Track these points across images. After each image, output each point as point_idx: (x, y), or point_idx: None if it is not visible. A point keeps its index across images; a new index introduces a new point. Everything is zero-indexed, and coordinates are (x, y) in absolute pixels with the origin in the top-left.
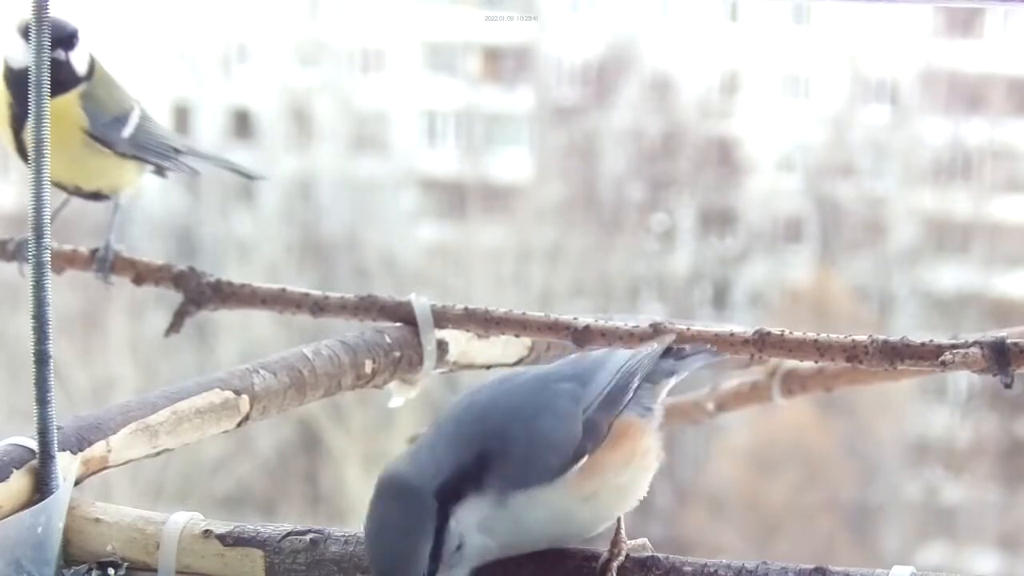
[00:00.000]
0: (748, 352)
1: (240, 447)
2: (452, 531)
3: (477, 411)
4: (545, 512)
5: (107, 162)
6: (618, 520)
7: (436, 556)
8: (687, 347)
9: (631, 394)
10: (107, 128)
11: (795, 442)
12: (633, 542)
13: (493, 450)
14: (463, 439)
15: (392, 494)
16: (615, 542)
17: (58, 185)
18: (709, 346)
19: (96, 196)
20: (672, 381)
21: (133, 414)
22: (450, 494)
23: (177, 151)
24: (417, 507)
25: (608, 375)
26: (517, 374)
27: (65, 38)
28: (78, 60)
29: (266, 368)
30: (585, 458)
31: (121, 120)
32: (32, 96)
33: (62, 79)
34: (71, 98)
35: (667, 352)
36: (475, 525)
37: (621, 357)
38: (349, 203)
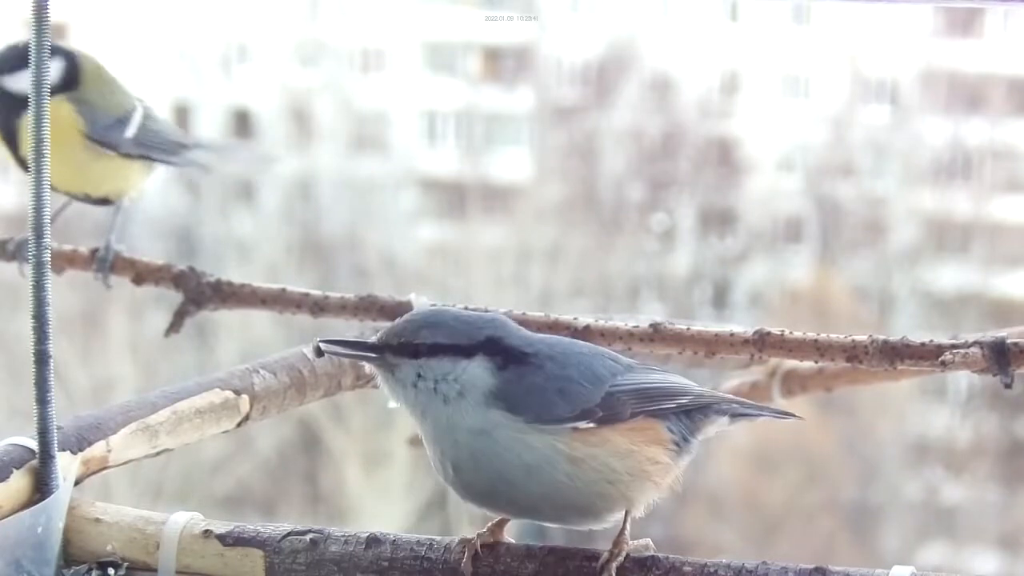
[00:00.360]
0: (748, 352)
1: (240, 447)
2: (467, 362)
3: (546, 338)
4: (523, 448)
5: (112, 164)
6: (623, 520)
7: (435, 351)
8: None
9: (673, 405)
10: (108, 130)
11: (795, 442)
12: (636, 542)
13: (534, 360)
14: (535, 340)
15: (458, 310)
16: (617, 542)
17: (67, 194)
18: (784, 411)
19: (105, 201)
20: (724, 421)
21: (133, 414)
22: (493, 347)
23: (184, 147)
24: (467, 324)
25: (659, 379)
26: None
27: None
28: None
29: (266, 368)
30: (591, 424)
31: (123, 121)
32: (32, 97)
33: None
34: (63, 105)
35: (729, 402)
36: (472, 385)
37: (681, 379)
38: (349, 203)
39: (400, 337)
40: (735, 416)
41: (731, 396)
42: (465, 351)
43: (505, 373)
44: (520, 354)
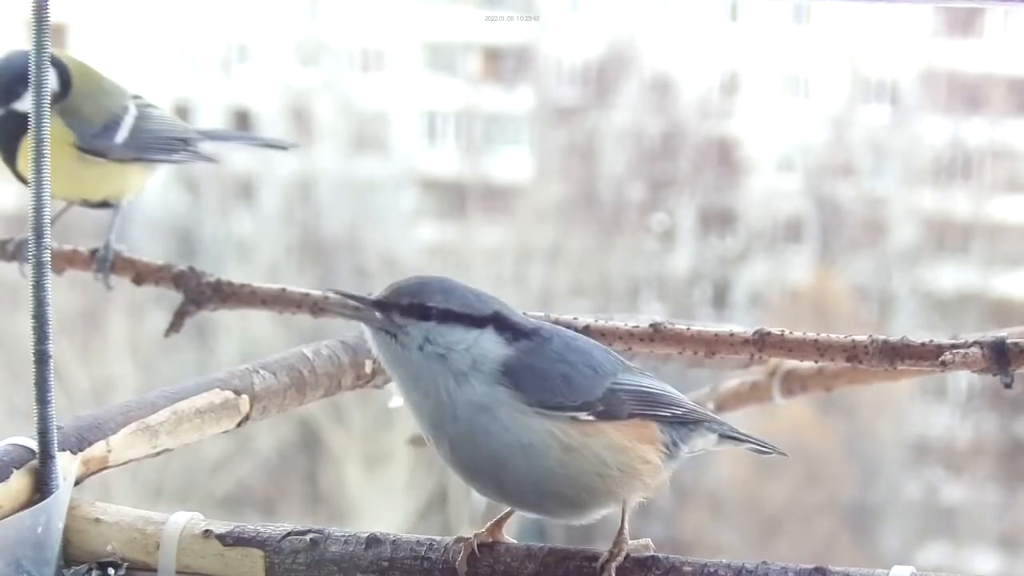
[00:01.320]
0: (748, 352)
1: (240, 447)
2: (477, 333)
3: (551, 324)
4: (520, 429)
5: (106, 171)
6: (621, 520)
7: (446, 317)
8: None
9: (668, 413)
10: (97, 138)
11: (795, 442)
12: (636, 542)
13: (537, 339)
14: (537, 322)
15: (467, 285)
16: (616, 542)
17: (66, 201)
18: (773, 446)
19: (105, 204)
20: (713, 439)
21: (133, 414)
22: (501, 323)
23: (184, 141)
24: (479, 297)
25: (658, 386)
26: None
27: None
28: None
29: (266, 368)
30: (589, 417)
31: (111, 127)
32: (32, 97)
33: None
34: (53, 119)
35: (720, 423)
36: (482, 358)
37: (676, 392)
38: (349, 203)
39: (411, 297)
40: (723, 437)
41: (721, 420)
42: (477, 322)
43: (514, 350)
44: (526, 332)
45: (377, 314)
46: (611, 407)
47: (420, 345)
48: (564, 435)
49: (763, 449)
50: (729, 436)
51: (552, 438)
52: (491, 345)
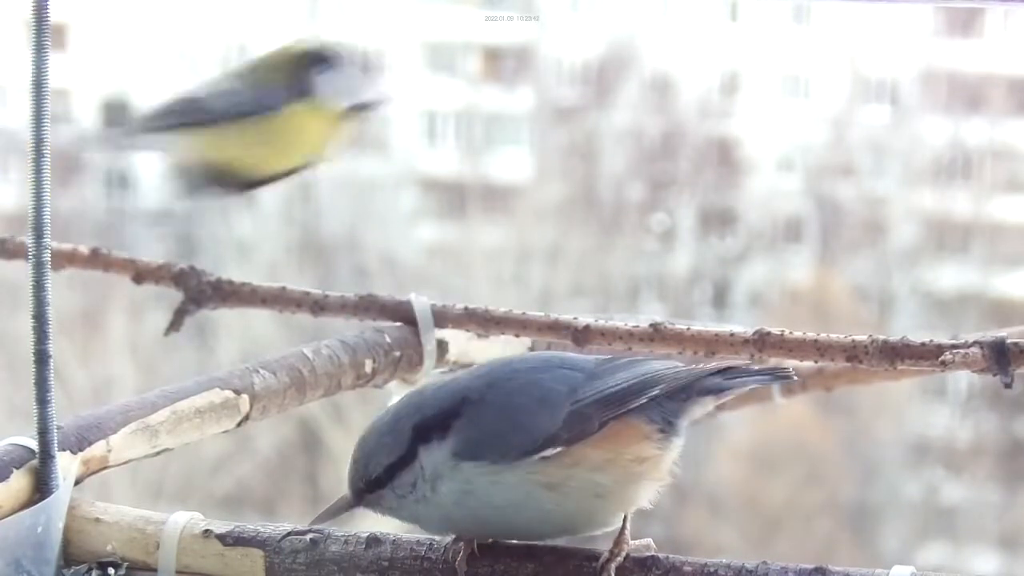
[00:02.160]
0: (748, 352)
1: (240, 447)
2: (417, 463)
3: (486, 370)
4: (502, 490)
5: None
6: (623, 521)
7: (391, 473)
8: (746, 367)
9: (644, 400)
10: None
11: (795, 442)
12: (637, 542)
13: (470, 408)
14: (458, 389)
15: (379, 419)
16: (617, 542)
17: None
18: (771, 368)
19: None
20: (710, 400)
21: (133, 414)
22: (422, 432)
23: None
24: (393, 432)
25: (626, 377)
26: (547, 352)
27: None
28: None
29: (266, 368)
30: (557, 448)
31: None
32: (32, 97)
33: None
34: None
35: (720, 372)
36: (435, 471)
37: (653, 366)
38: (349, 203)
39: (361, 480)
40: (720, 392)
41: (714, 365)
42: (408, 456)
43: (452, 438)
44: (448, 417)
45: (356, 507)
46: (577, 428)
47: (396, 503)
48: (543, 477)
49: (766, 379)
50: (725, 388)
51: (534, 484)
52: (432, 456)
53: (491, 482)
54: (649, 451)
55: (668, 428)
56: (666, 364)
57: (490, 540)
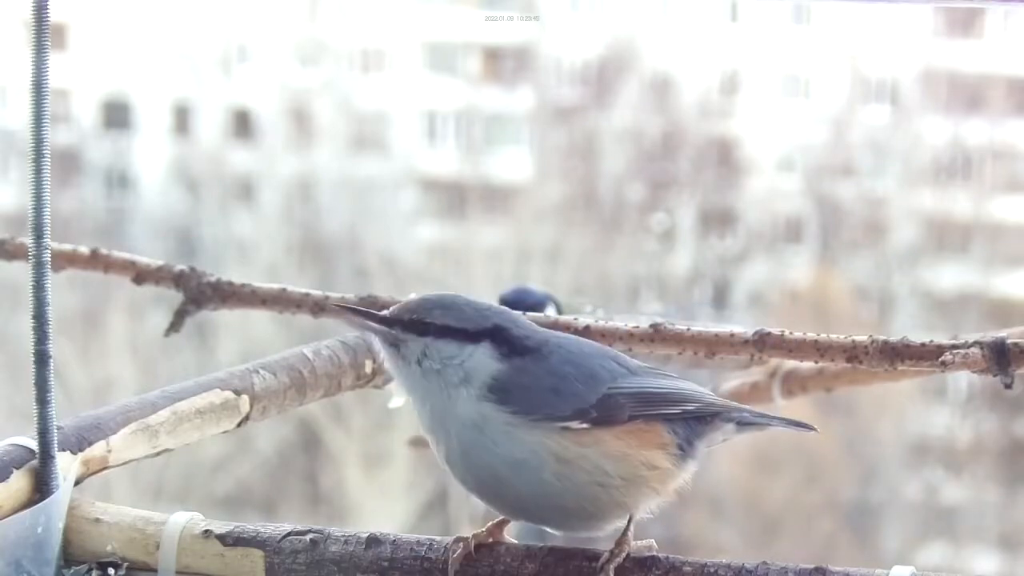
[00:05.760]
0: (748, 352)
1: (240, 447)
2: (473, 348)
3: (563, 337)
4: (510, 442)
5: None
6: (628, 522)
7: (444, 333)
8: (775, 415)
9: (677, 410)
10: None
11: (795, 442)
12: (639, 543)
13: (535, 355)
14: (542, 338)
15: (475, 297)
16: (618, 542)
17: None
18: (798, 421)
19: None
20: (731, 429)
21: (133, 414)
22: (499, 336)
23: None
24: (480, 311)
25: (667, 385)
26: (604, 346)
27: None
28: None
29: (266, 368)
30: (584, 424)
31: None
32: (32, 98)
33: None
34: None
35: (739, 411)
36: (473, 374)
37: (692, 385)
38: (349, 203)
39: (412, 313)
40: (743, 425)
41: (741, 405)
42: (472, 336)
43: (506, 364)
44: (523, 346)
45: (381, 327)
46: (607, 412)
47: (418, 359)
48: (558, 447)
49: (790, 426)
50: (749, 423)
51: (545, 451)
52: (484, 359)
53: (504, 431)
54: (662, 462)
55: (687, 447)
56: (704, 391)
57: (471, 495)
